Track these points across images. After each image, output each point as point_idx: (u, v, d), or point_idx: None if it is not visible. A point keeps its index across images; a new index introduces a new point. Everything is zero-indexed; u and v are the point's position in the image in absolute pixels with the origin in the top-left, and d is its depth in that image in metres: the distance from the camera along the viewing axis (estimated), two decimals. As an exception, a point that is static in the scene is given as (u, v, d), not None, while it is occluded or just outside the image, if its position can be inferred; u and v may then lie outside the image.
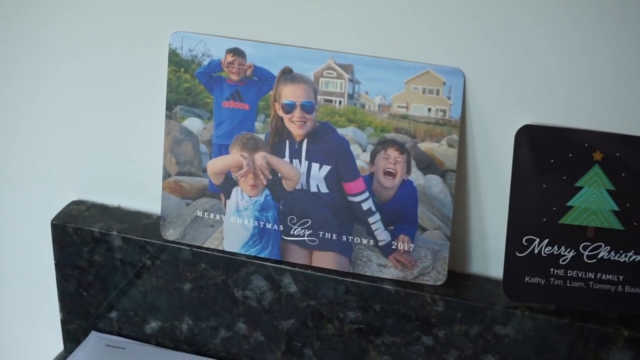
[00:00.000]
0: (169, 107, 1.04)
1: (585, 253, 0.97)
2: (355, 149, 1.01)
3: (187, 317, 1.11)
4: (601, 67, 0.92)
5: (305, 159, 1.02)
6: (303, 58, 0.99)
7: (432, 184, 1.00)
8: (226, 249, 1.06)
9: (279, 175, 1.03)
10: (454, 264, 1.03)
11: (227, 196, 1.05)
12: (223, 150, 1.04)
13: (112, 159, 1.12)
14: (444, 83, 0.97)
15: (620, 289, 0.98)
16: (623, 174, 0.94)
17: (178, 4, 1.01)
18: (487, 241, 1.03)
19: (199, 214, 1.06)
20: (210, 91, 1.03)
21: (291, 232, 1.04)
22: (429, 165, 0.99)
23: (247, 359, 1.12)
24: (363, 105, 0.99)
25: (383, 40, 0.97)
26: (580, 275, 0.98)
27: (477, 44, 0.94)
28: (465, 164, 0.99)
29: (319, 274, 1.04)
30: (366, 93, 0.99)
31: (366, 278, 1.03)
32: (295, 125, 1.01)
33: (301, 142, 1.01)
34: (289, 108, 1.01)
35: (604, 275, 0.98)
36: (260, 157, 1.03)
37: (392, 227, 1.02)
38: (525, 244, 0.98)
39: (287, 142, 1.02)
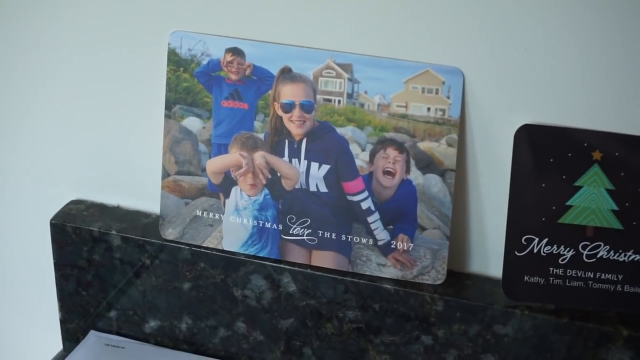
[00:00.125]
0: (168, 106, 1.04)
1: (585, 252, 0.97)
2: (354, 148, 1.00)
3: (187, 317, 1.11)
4: (600, 66, 0.92)
5: (305, 158, 1.02)
6: (302, 57, 0.99)
7: (431, 183, 1.00)
8: (225, 249, 1.06)
9: (278, 174, 1.03)
10: (453, 263, 1.03)
11: (227, 195, 1.05)
12: (222, 149, 1.04)
13: (111, 159, 1.12)
14: (443, 82, 0.96)
15: (620, 289, 0.98)
16: (622, 174, 0.94)
17: (177, 3, 1.01)
18: (487, 240, 1.03)
19: (198, 213, 1.06)
20: (210, 90, 1.03)
21: (290, 232, 1.04)
22: (428, 164, 0.99)
23: (247, 358, 1.12)
24: (362, 105, 0.99)
25: (382, 39, 0.97)
26: (579, 275, 0.98)
27: (477, 43, 0.94)
28: (464, 164, 0.99)
29: (318, 273, 1.04)
30: (365, 92, 0.99)
31: (365, 277, 1.03)
32: (294, 125, 1.01)
33: (300, 141, 1.01)
34: (288, 107, 1.01)
35: (603, 274, 0.98)
36: (259, 156, 1.02)
37: (391, 227, 1.02)
38: (525, 243, 0.98)
39: (287, 141, 1.02)
